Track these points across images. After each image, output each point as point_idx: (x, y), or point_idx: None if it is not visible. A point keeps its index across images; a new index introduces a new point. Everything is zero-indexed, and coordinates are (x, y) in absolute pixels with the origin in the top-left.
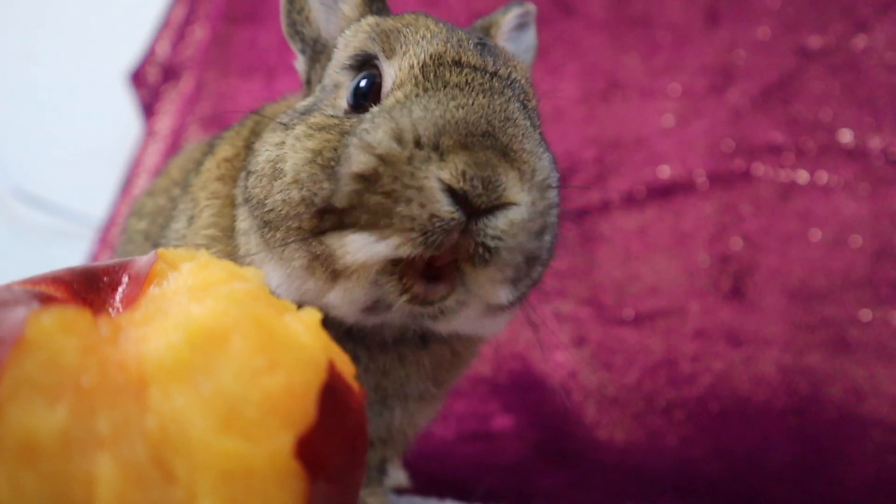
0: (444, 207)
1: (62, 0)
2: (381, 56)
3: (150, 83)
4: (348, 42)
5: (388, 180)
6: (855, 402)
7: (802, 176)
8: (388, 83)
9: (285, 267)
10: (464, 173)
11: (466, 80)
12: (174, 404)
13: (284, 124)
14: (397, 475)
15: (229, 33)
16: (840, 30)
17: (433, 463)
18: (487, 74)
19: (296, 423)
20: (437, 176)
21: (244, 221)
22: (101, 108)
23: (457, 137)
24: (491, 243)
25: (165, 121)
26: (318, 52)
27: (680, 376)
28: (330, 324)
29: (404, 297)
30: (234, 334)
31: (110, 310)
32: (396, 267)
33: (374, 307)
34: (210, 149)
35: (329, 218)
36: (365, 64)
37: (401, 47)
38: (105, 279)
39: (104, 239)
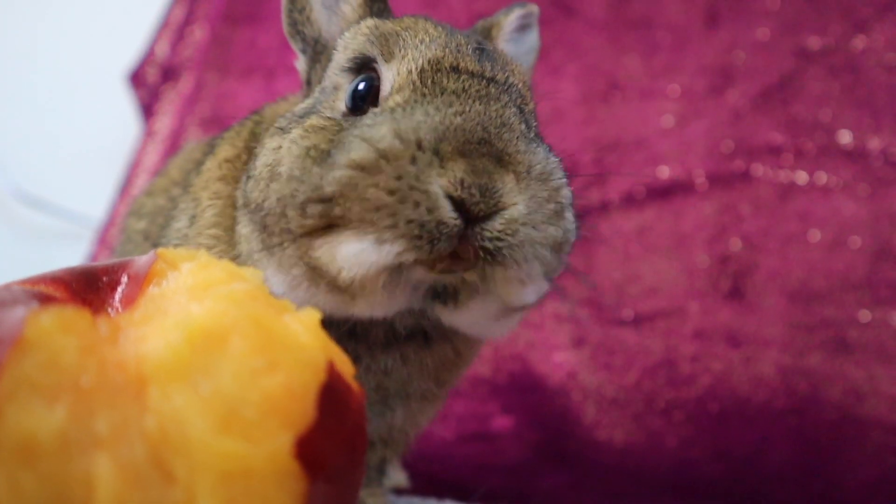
0: (449, 213)
1: (62, 0)
2: (379, 59)
3: (149, 83)
4: (347, 44)
5: (391, 177)
6: (854, 402)
7: (802, 177)
8: (386, 87)
9: (285, 274)
10: (462, 181)
11: (463, 87)
12: (173, 404)
13: (282, 129)
14: (397, 475)
15: (229, 34)
16: (839, 31)
17: (433, 463)
18: (484, 80)
19: (295, 424)
20: (438, 183)
21: (245, 227)
22: (101, 109)
23: (455, 144)
24: (489, 245)
25: (165, 121)
26: (319, 52)
27: (679, 377)
28: (331, 323)
29: (433, 272)
30: (234, 334)
31: (109, 310)
32: (403, 268)
33: (410, 294)
34: (210, 149)
35: (314, 209)
36: (363, 67)
37: (399, 51)
38: (104, 279)
39: (103, 239)
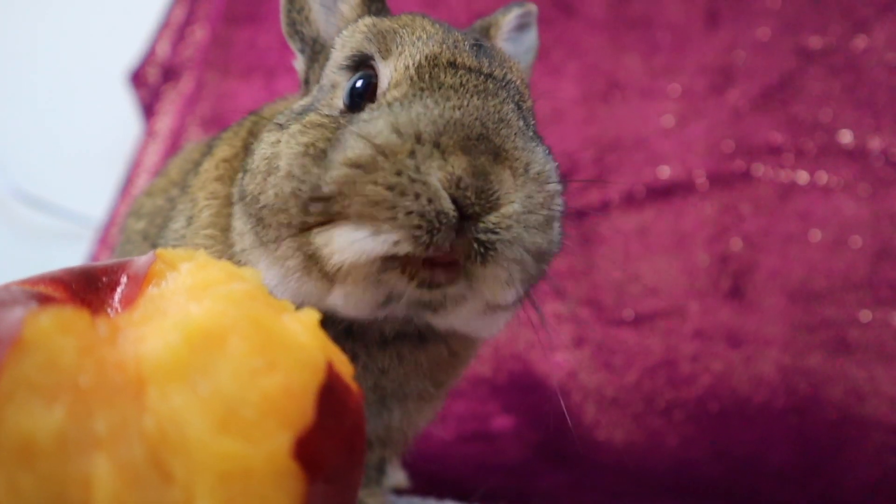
0: (449, 203)
1: (62, 0)
2: (377, 56)
3: (150, 83)
4: (345, 42)
5: (389, 172)
6: (855, 402)
7: (802, 176)
8: (383, 84)
9: (279, 267)
10: (459, 180)
11: (461, 82)
12: (172, 405)
13: (281, 124)
14: (397, 475)
15: (229, 34)
16: (840, 30)
17: (432, 463)
18: (482, 76)
19: (294, 424)
20: (437, 175)
21: (239, 220)
22: (101, 109)
23: (455, 139)
24: (484, 237)
25: (165, 121)
26: (317, 52)
27: (679, 377)
28: (328, 322)
29: (413, 283)
30: (233, 335)
31: (109, 310)
32: (394, 262)
33: (386, 301)
34: (208, 149)
35: (315, 207)
36: (361, 64)
37: (397, 48)
38: (104, 279)
39: (104, 239)
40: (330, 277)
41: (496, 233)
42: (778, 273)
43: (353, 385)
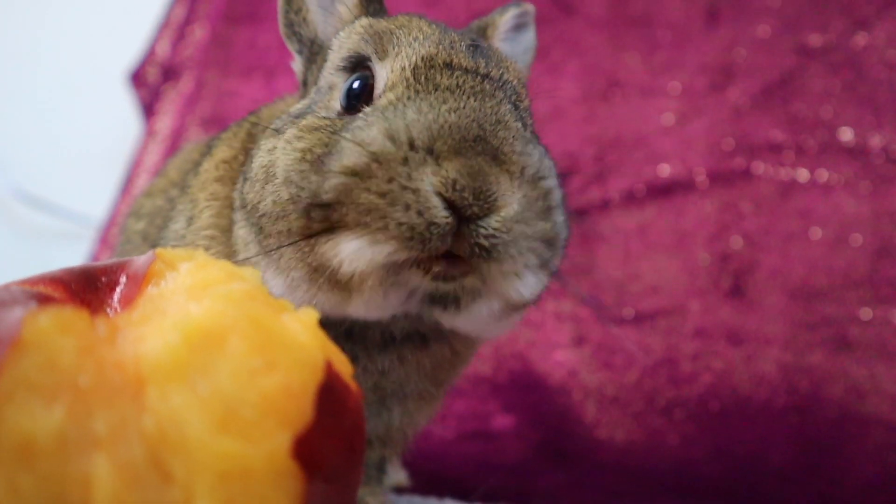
0: (441, 213)
1: (62, 0)
2: (373, 58)
3: (150, 83)
4: (342, 43)
5: (382, 180)
6: (855, 401)
7: (803, 174)
8: (380, 85)
9: (284, 277)
10: (455, 182)
11: (457, 83)
12: (171, 404)
13: (277, 130)
14: (397, 474)
15: (229, 33)
16: (840, 28)
17: (433, 462)
18: (479, 77)
19: (293, 423)
20: (430, 181)
21: (241, 228)
22: (102, 109)
23: (450, 143)
24: (485, 242)
25: (165, 121)
26: (315, 53)
27: (680, 375)
28: (328, 323)
29: (429, 277)
30: (232, 334)
31: (108, 310)
32: (405, 262)
33: (406, 298)
34: (208, 150)
35: (316, 215)
36: (358, 66)
37: (393, 49)
38: (103, 279)
39: (104, 239)
40: (344, 286)
41: (497, 237)
42: (778, 271)
43: (353, 384)
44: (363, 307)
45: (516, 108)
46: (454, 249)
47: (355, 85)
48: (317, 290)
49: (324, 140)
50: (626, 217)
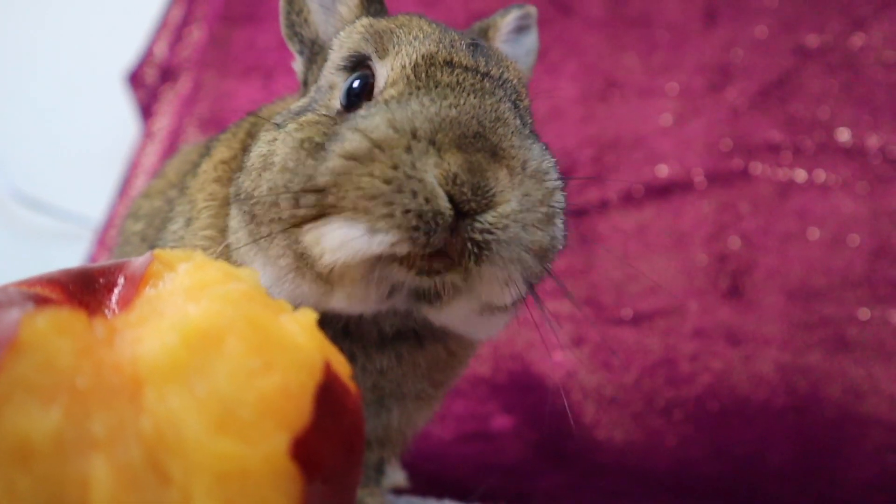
0: (445, 203)
1: (60, 1)
2: (374, 56)
3: (147, 84)
4: (343, 43)
5: (385, 165)
6: (854, 401)
7: (800, 175)
8: (380, 83)
9: (272, 265)
10: (455, 176)
11: (458, 81)
12: (169, 405)
13: (278, 124)
14: (396, 475)
15: (227, 34)
16: (837, 28)
17: (432, 463)
18: (479, 75)
19: (291, 424)
20: (433, 172)
21: (234, 218)
22: (100, 110)
23: (451, 136)
24: (479, 237)
25: (163, 122)
26: (316, 53)
27: (679, 376)
28: (326, 321)
29: (412, 272)
30: (230, 335)
31: (106, 311)
32: (391, 258)
33: (389, 294)
34: (207, 151)
35: (307, 200)
36: (358, 65)
37: (393, 48)
38: (101, 280)
39: (102, 240)
40: (326, 279)
41: (492, 233)
42: (776, 271)
43: (352, 385)
44: (345, 301)
45: (516, 106)
46: (447, 247)
47: (356, 84)
48: (301, 280)
49: (324, 131)
50: (625, 217)
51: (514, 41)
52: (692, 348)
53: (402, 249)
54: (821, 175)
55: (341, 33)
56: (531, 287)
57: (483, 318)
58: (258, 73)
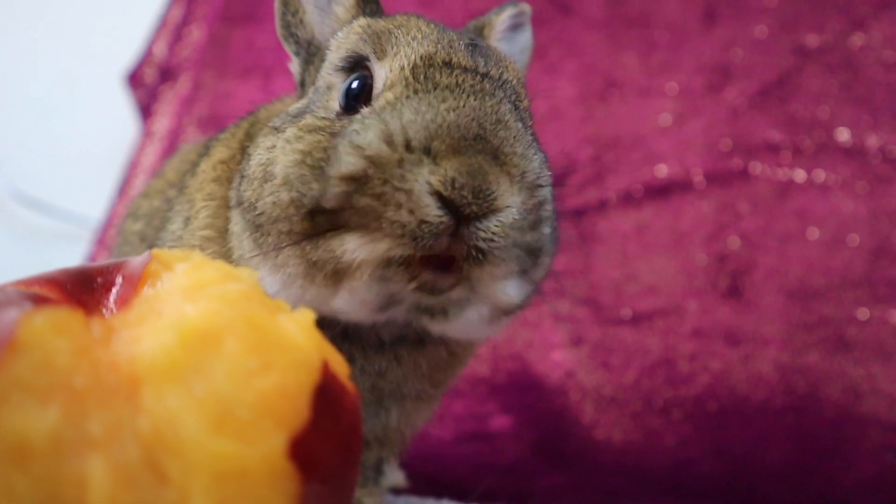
0: (433, 212)
1: (60, 1)
2: (372, 57)
3: (147, 84)
4: (340, 44)
5: (377, 182)
6: (853, 401)
7: (800, 175)
8: (378, 84)
9: (280, 273)
10: (453, 181)
11: (457, 82)
12: (167, 405)
13: (276, 128)
14: (395, 475)
15: (227, 34)
16: (837, 28)
17: (431, 463)
18: (478, 76)
19: (289, 424)
20: (426, 180)
21: (237, 225)
22: (99, 110)
23: (449, 142)
24: (483, 245)
25: (163, 122)
26: (312, 54)
27: (678, 376)
28: (325, 324)
29: (413, 285)
30: (228, 335)
31: (104, 311)
32: (399, 259)
33: (386, 304)
34: (206, 150)
35: (321, 220)
36: (356, 65)
37: (392, 48)
38: (99, 280)
39: (102, 240)
40: (337, 277)
41: (494, 241)
42: (776, 271)
43: (350, 385)
44: (345, 301)
45: (516, 107)
46: (451, 251)
47: (354, 85)
48: (309, 285)
49: (323, 143)
50: (624, 217)
51: (509, 39)
52: (691, 348)
53: (396, 253)
54: (820, 175)
55: (339, 34)
56: (535, 284)
57: (490, 325)
58: (257, 73)
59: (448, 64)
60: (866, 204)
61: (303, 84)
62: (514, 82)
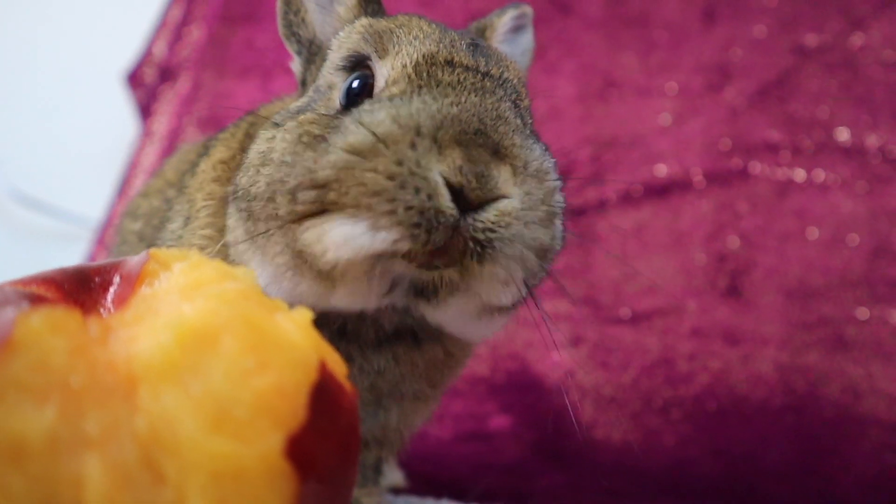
0: (448, 202)
1: (60, 1)
2: (373, 56)
3: (146, 84)
4: (342, 43)
5: (390, 161)
6: (852, 400)
7: (799, 174)
8: (380, 82)
9: (269, 263)
10: (460, 168)
11: (458, 80)
12: (164, 405)
13: (277, 123)
14: (394, 475)
15: (226, 34)
16: (837, 28)
17: (430, 463)
18: (479, 74)
19: (286, 423)
20: (438, 169)
21: (231, 216)
22: (99, 109)
23: (452, 134)
24: (481, 236)
25: (162, 121)
26: (314, 53)
27: (677, 375)
28: (322, 323)
29: (413, 265)
30: (225, 334)
31: (101, 310)
32: (395, 255)
33: (390, 290)
34: (205, 150)
35: (307, 195)
36: (358, 65)
37: (393, 47)
38: (97, 279)
39: (101, 240)
40: (327, 277)
41: (494, 231)
42: (775, 271)
43: (347, 384)
44: (348, 298)
45: (516, 106)
46: (448, 246)
47: (355, 84)
48: (300, 279)
49: (325, 123)
50: (623, 217)
51: (511, 41)
52: (690, 348)
53: (404, 247)
54: (820, 175)
55: (340, 33)
56: (530, 288)
57: (481, 320)
58: (257, 73)
59: (450, 62)
60: (866, 204)
61: (304, 83)
62: (515, 81)
